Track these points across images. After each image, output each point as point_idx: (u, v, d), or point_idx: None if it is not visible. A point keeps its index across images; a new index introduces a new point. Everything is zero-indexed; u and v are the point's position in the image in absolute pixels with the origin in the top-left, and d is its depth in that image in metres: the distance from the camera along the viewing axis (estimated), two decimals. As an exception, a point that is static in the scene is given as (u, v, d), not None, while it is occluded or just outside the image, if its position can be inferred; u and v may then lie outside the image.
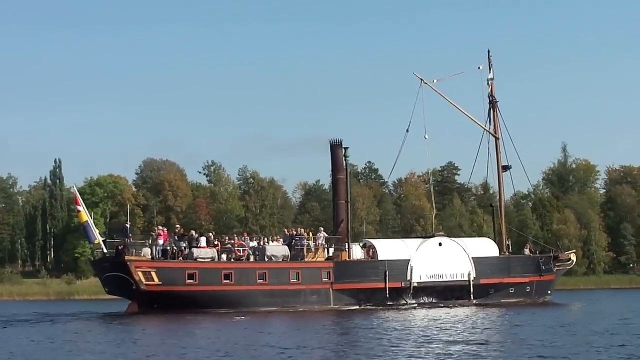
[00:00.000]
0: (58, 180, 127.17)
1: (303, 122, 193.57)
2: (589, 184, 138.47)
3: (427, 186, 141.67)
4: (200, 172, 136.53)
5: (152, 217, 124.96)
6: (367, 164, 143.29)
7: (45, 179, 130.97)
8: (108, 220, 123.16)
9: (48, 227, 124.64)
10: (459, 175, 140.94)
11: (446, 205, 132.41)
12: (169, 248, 51.23)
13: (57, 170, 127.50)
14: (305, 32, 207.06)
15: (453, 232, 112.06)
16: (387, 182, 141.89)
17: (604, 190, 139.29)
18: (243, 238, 54.58)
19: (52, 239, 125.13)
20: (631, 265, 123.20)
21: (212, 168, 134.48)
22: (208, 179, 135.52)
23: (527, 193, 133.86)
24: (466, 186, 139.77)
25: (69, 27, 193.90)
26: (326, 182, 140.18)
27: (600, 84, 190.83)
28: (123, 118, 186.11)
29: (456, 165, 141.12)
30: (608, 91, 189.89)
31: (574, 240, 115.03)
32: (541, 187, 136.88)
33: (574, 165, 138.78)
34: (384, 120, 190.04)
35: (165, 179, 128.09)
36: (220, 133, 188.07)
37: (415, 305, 53.02)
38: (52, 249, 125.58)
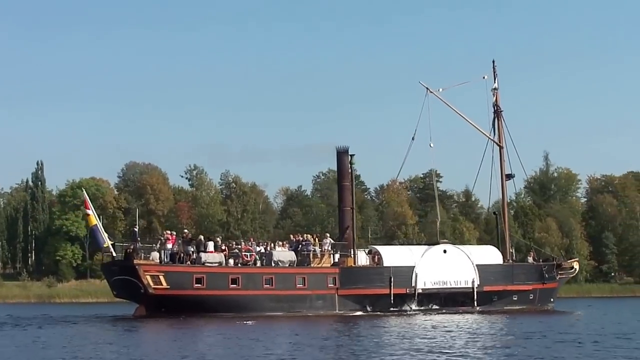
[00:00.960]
0: (40, 182, 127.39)
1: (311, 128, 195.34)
2: (570, 193, 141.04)
3: (409, 194, 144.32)
4: (182, 176, 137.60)
5: (133, 221, 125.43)
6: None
7: (27, 181, 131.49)
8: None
9: (29, 229, 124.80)
10: (440, 182, 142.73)
11: (428, 212, 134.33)
12: (176, 251, 52.35)
13: (39, 172, 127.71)
14: (310, 39, 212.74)
15: (433, 240, 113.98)
16: (369, 188, 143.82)
17: (585, 199, 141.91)
18: (250, 243, 55.71)
19: (33, 241, 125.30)
20: (612, 274, 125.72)
21: (194, 172, 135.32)
22: (190, 182, 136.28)
23: (509, 201, 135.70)
24: (448, 193, 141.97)
25: (51, 27, 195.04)
26: (308, 187, 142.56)
27: (583, 93, 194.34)
28: (106, 120, 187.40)
29: (438, 172, 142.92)
30: (590, 100, 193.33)
31: (556, 248, 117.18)
32: (523, 195, 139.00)
33: (555, 174, 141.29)
34: (388, 127, 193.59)
35: (147, 183, 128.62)
36: (200, 138, 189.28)
37: (419, 311, 54.42)
38: (33, 252, 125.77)
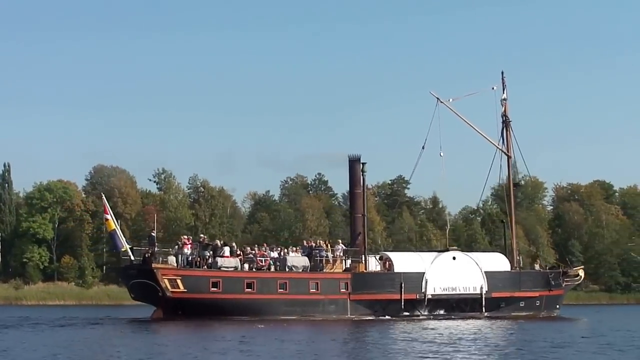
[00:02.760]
0: (7, 184, 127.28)
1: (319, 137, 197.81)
2: (537, 201, 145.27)
3: (377, 200, 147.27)
4: (150, 180, 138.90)
5: (100, 224, 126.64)
6: (317, 176, 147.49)
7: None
8: (56, 226, 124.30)
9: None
10: (408, 188, 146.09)
11: (395, 218, 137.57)
12: (193, 256, 54.56)
13: (6, 174, 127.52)
14: (316, 46, 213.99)
15: (400, 246, 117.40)
16: (337, 194, 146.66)
17: (552, 207, 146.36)
18: (264, 248, 58.09)
19: (0, 243, 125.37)
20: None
21: (163, 176, 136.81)
22: (158, 186, 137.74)
23: (475, 208, 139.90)
24: (415, 200, 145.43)
25: (19, 27, 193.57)
26: (276, 192, 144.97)
27: (549, 102, 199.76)
28: (74, 123, 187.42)
29: (405, 178, 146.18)
30: (556, 109, 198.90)
31: (523, 256, 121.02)
32: (490, 203, 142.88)
33: (522, 182, 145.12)
34: (397, 136, 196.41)
35: (114, 186, 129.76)
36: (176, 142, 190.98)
37: (429, 316, 57.27)
38: (0, 254, 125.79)
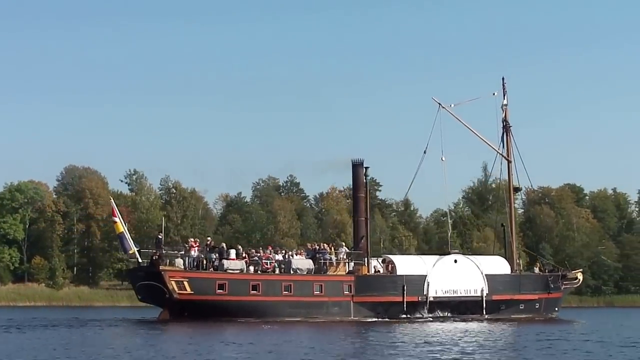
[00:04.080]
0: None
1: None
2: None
3: (348, 202, 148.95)
4: (121, 181, 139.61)
5: (71, 225, 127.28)
6: (289, 177, 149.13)
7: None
8: (27, 226, 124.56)
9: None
10: (380, 191, 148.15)
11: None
12: (200, 258, 56.00)
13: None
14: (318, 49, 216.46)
15: (374, 249, 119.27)
16: (308, 196, 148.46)
17: (523, 210, 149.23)
18: (269, 251, 59.64)
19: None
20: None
21: (134, 177, 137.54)
22: (129, 187, 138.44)
23: (447, 210, 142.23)
24: (387, 202, 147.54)
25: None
26: (247, 194, 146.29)
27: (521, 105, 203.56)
28: (45, 123, 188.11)
29: (377, 181, 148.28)
30: (529, 113, 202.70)
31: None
32: (461, 205, 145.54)
33: (493, 185, 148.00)
34: (399, 141, 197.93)
35: (86, 187, 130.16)
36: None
37: (431, 318, 59.15)
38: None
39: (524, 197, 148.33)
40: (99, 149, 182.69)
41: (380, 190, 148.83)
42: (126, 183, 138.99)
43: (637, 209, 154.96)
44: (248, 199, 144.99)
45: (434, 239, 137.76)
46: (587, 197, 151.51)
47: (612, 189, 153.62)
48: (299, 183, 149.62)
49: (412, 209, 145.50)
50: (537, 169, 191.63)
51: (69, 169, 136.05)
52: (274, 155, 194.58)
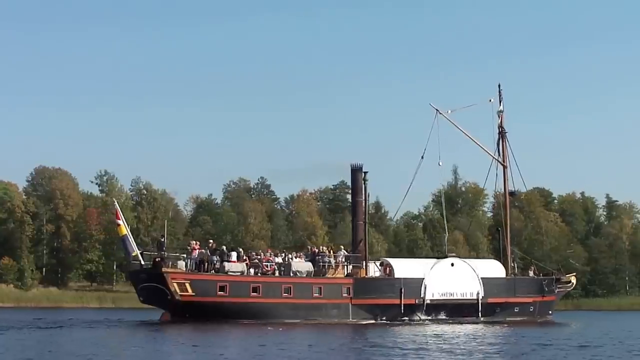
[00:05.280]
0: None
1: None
2: (477, 207, 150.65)
3: (319, 204, 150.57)
4: (92, 182, 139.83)
5: (41, 225, 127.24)
6: (260, 179, 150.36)
7: None
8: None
9: None
10: (349, 193, 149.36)
11: (337, 222, 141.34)
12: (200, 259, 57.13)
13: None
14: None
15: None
16: (279, 197, 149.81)
17: (491, 214, 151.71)
18: (269, 254, 60.95)
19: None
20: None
21: (105, 178, 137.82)
22: (100, 188, 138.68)
23: (417, 213, 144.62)
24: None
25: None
26: (218, 196, 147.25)
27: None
28: (15, 122, 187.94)
29: (348, 184, 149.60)
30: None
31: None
32: (431, 208, 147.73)
33: (463, 188, 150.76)
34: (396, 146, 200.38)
35: (56, 187, 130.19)
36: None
37: (428, 320, 60.84)
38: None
39: (493, 200, 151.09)
40: (69, 149, 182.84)
41: (349, 193, 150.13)
42: (97, 184, 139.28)
43: (604, 213, 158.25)
44: (218, 201, 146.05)
45: (404, 242, 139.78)
46: (556, 201, 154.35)
47: (580, 193, 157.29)
48: (269, 185, 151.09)
49: (382, 211, 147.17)
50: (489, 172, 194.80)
51: (39, 169, 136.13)
52: (267, 159, 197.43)
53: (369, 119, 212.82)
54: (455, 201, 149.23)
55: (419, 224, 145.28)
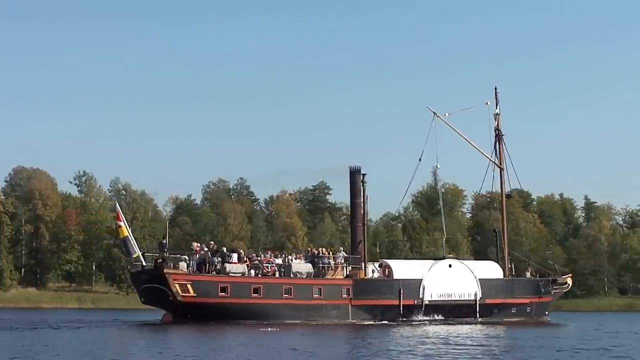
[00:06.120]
0: None
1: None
2: (456, 208, 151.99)
3: (298, 205, 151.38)
4: (70, 182, 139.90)
5: (19, 226, 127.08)
6: (239, 180, 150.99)
7: None
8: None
9: None
10: (330, 194, 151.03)
11: (317, 223, 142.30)
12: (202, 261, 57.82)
13: None
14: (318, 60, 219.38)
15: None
16: (259, 198, 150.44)
17: (471, 215, 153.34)
18: (269, 255, 61.77)
19: None
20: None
21: (84, 178, 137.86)
22: (79, 189, 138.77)
23: (397, 214, 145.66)
24: (337, 205, 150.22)
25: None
26: (197, 197, 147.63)
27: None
28: None
29: (327, 184, 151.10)
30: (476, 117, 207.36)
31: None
32: (411, 209, 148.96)
33: (442, 189, 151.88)
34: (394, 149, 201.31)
35: (34, 188, 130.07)
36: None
37: (426, 321, 61.79)
38: None
39: (472, 201, 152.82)
40: (48, 150, 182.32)
41: (330, 194, 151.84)
42: (75, 184, 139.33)
43: (583, 215, 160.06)
44: (198, 202, 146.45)
45: (384, 243, 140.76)
46: (535, 203, 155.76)
47: (559, 195, 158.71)
48: (249, 186, 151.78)
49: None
50: (484, 173, 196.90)
51: (17, 169, 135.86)
52: (262, 161, 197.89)
53: (365, 120, 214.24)
54: (435, 202, 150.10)
55: (399, 225, 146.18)
